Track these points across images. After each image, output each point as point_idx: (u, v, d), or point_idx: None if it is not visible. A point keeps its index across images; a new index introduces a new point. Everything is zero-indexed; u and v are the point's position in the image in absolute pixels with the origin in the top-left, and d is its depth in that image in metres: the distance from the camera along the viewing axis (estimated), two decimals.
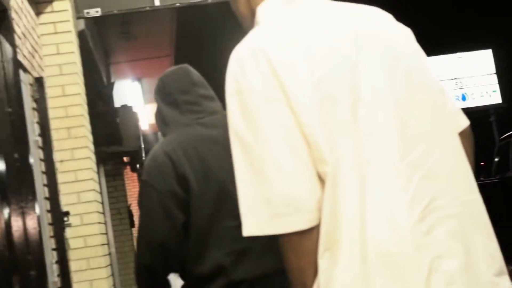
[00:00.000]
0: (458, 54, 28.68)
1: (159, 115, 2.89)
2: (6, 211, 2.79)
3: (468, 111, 30.07)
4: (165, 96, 2.84)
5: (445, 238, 1.54)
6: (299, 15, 1.64)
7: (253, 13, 1.73)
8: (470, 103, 28.51)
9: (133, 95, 10.63)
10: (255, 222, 1.51)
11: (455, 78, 28.56)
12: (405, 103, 1.60)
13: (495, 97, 28.91)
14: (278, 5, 1.67)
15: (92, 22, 7.22)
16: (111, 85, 8.82)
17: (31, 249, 3.17)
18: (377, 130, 1.54)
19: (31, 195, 3.29)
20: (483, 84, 28.75)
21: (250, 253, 2.55)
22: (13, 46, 3.31)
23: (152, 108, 11.85)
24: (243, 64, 1.54)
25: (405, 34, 1.75)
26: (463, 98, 28.55)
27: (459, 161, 1.66)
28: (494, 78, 29.05)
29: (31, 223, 3.21)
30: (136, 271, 2.69)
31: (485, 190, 7.40)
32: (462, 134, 1.74)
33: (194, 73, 2.91)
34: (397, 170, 1.53)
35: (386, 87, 1.59)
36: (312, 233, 1.51)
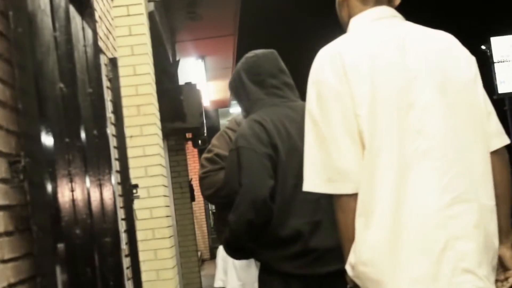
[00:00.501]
0: None
1: (242, 90, 3.18)
2: (86, 183, 3.06)
3: None
4: (253, 75, 3.12)
5: (466, 224, 1.92)
6: (378, 32, 2.07)
7: (349, 22, 2.19)
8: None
9: (196, 73, 10.92)
10: (313, 182, 1.99)
11: None
12: (451, 116, 1.98)
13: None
14: (365, 22, 2.11)
15: (161, 4, 7.51)
16: (176, 63, 9.10)
17: (107, 218, 3.45)
18: (425, 130, 1.94)
19: (108, 169, 3.57)
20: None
21: (323, 225, 2.82)
22: (94, 31, 3.59)
23: (214, 85, 12.13)
24: (324, 62, 2.01)
25: (466, 59, 2.12)
26: None
27: (486, 171, 2.03)
28: None
29: (107, 194, 3.49)
30: (236, 226, 2.98)
31: None
32: (496, 153, 2.09)
33: (281, 61, 3.20)
34: (436, 163, 1.92)
35: (438, 100, 1.97)
36: (356, 197, 1.95)
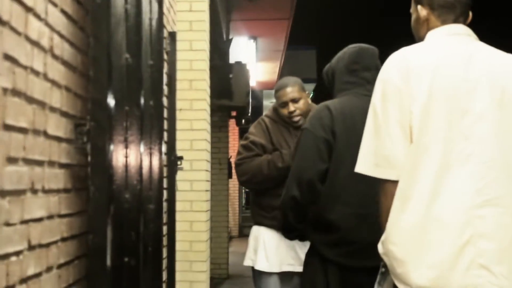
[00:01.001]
0: None
1: (334, 75, 3.38)
2: (140, 150, 3.19)
3: None
4: (350, 63, 3.32)
5: (492, 225, 2.12)
6: (448, 44, 2.31)
7: (427, 32, 2.44)
8: None
9: (247, 52, 11.02)
10: (364, 164, 2.25)
11: None
12: (502, 129, 2.20)
13: None
14: (441, 35, 2.37)
15: None
16: (229, 41, 9.22)
17: (153, 186, 3.58)
18: (472, 136, 2.17)
19: (159, 139, 3.70)
20: None
21: (369, 219, 2.93)
22: (160, 5, 3.72)
23: (263, 66, 12.19)
24: (392, 64, 2.27)
25: None
26: None
27: None
28: None
29: (156, 163, 3.62)
30: (282, 201, 3.21)
31: None
32: None
33: (378, 59, 3.36)
34: (476, 167, 2.14)
35: (492, 113, 2.19)
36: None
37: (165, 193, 5.01)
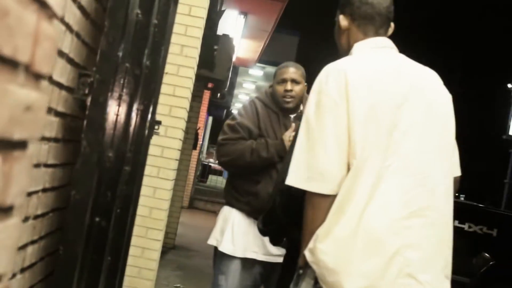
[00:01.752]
0: None
1: None
2: (131, 111, 3.09)
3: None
4: None
5: (418, 236, 2.22)
6: (378, 57, 2.40)
7: (349, 47, 2.52)
8: None
9: (235, 27, 10.89)
10: (295, 177, 2.26)
11: None
12: (427, 142, 2.30)
13: None
14: (367, 48, 2.45)
15: None
16: (221, 13, 9.08)
17: (134, 148, 3.48)
18: (402, 150, 2.24)
19: (149, 101, 3.60)
20: None
21: None
22: None
23: (246, 44, 12.03)
24: (329, 76, 2.28)
25: (447, 96, 2.47)
26: None
27: (448, 193, 2.36)
28: None
29: (142, 126, 3.52)
30: (277, 185, 2.96)
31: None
32: (453, 179, 2.43)
33: None
34: (404, 180, 2.23)
35: (418, 127, 2.28)
36: (329, 198, 2.23)
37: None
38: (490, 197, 36.48)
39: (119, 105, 2.82)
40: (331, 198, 2.24)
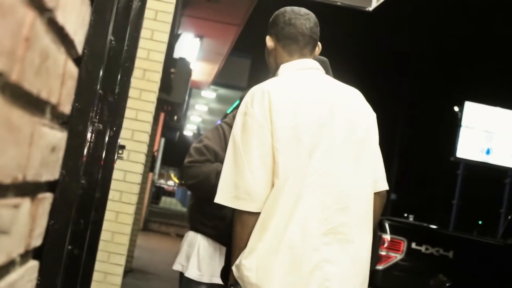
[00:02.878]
0: (497, 109, 28.67)
1: None
2: (104, 138, 3.08)
3: (487, 166, 29.91)
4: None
5: (337, 252, 2.33)
6: (302, 80, 2.48)
7: (277, 67, 2.63)
8: (492, 159, 28.56)
9: (190, 50, 10.90)
10: (223, 196, 2.36)
11: (487, 131, 28.60)
12: (347, 160, 2.40)
13: None
14: (292, 69, 2.54)
15: None
16: (177, 36, 9.09)
17: (105, 175, 3.46)
18: (322, 169, 2.34)
19: (117, 126, 3.59)
20: (510, 145, 28.72)
21: None
22: None
23: (201, 66, 12.02)
24: (254, 97, 2.37)
25: (370, 115, 2.56)
26: (487, 152, 28.61)
27: (367, 210, 2.46)
28: None
29: (112, 152, 3.50)
30: None
31: (490, 251, 7.71)
32: (378, 194, 2.54)
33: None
34: (323, 199, 2.33)
35: (338, 147, 2.38)
36: (256, 216, 2.33)
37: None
38: (439, 217, 36.98)
39: (93, 133, 2.82)
40: (257, 215, 2.35)
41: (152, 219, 18.17)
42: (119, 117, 3.69)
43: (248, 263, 2.31)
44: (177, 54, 9.75)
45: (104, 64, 2.71)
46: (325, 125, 2.39)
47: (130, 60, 3.65)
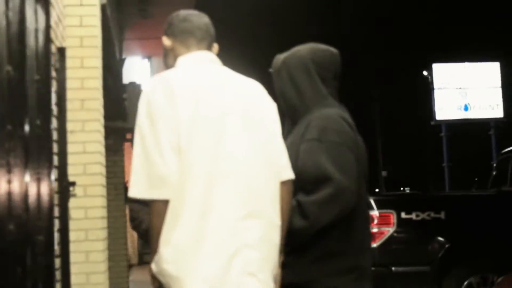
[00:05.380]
0: (466, 64, 28.69)
1: (304, 80, 2.86)
2: (25, 176, 2.86)
3: (468, 122, 30.10)
4: (323, 70, 2.88)
5: (255, 236, 2.32)
6: (202, 71, 2.51)
7: (175, 61, 2.60)
8: (472, 114, 28.59)
9: (142, 72, 10.69)
10: (137, 189, 2.31)
11: (460, 88, 28.60)
12: (252, 148, 2.42)
13: (497, 111, 28.91)
14: (190, 62, 2.55)
15: None
16: (122, 61, 8.88)
17: (42, 216, 3.24)
18: (232, 156, 2.35)
19: (48, 163, 3.36)
20: (486, 96, 28.75)
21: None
22: (47, 15, 3.38)
23: None
24: (155, 85, 2.39)
25: (269, 106, 2.56)
26: (465, 108, 28.64)
27: (273, 197, 2.46)
28: (499, 92, 29.02)
29: (45, 190, 3.28)
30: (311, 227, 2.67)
31: (481, 202, 7.53)
32: (284, 183, 2.51)
33: None
34: (237, 183, 2.34)
35: (243, 135, 2.41)
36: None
37: (57, 222, 4.63)
38: (434, 183, 36.94)
39: (9, 172, 2.59)
40: None
41: (147, 251, 17.88)
42: (47, 153, 3.46)
43: (165, 255, 2.28)
44: (126, 79, 9.53)
45: (3, 95, 2.49)
46: (228, 113, 2.42)
47: (46, 90, 3.43)
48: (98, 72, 5.35)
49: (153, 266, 2.35)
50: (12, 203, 2.61)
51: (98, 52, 5.33)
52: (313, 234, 2.65)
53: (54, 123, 4.59)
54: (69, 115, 5.10)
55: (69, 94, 5.10)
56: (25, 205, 2.79)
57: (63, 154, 4.64)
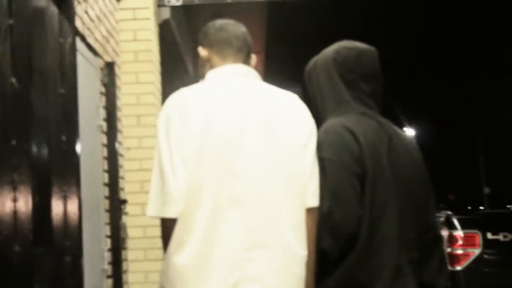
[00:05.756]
0: None
1: (326, 83, 2.61)
2: (48, 194, 2.74)
3: None
4: (346, 70, 2.58)
5: (261, 268, 2.17)
6: (225, 84, 2.35)
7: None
8: None
9: None
10: (153, 208, 2.21)
11: None
12: (270, 170, 2.23)
13: None
14: (217, 76, 2.40)
15: (181, 13, 7.17)
16: (196, 77, 8.79)
17: (69, 235, 3.10)
18: (244, 176, 2.19)
19: (75, 179, 3.21)
20: None
21: (404, 271, 2.36)
22: (73, 27, 3.25)
23: None
24: (172, 104, 2.27)
25: (303, 123, 2.33)
26: None
27: (299, 223, 2.26)
28: None
29: (72, 208, 3.13)
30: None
31: None
32: (309, 210, 2.29)
33: (379, 63, 2.65)
34: (244, 210, 2.18)
35: (261, 154, 2.23)
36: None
37: (108, 242, 4.51)
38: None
39: (14, 190, 2.44)
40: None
41: None
42: (73, 169, 3.32)
43: (168, 277, 2.19)
44: None
45: (6, 108, 2.35)
46: (244, 130, 2.26)
47: (72, 104, 3.29)
48: (155, 87, 5.24)
49: (159, 284, 2.26)
50: (18, 222, 2.47)
51: (153, 67, 5.21)
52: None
53: (104, 139, 4.48)
54: (125, 132, 5.00)
55: (125, 110, 5.00)
56: (47, 225, 2.65)
57: (114, 171, 4.52)
